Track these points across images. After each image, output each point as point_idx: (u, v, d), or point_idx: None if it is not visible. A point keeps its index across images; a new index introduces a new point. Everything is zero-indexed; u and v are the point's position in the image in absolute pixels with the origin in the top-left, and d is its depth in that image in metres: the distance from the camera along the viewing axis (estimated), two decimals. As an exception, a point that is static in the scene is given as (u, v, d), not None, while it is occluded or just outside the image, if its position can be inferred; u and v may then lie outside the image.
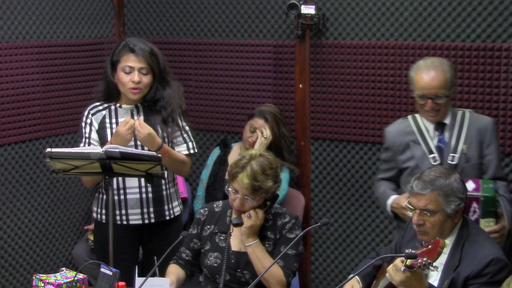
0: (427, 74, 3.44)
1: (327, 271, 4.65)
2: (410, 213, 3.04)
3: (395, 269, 2.75)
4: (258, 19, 4.65)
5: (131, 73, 3.56)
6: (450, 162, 3.47)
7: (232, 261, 3.27)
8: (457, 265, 2.92)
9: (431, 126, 3.55)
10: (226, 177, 4.33)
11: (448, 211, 2.96)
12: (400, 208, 3.45)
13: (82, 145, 3.63)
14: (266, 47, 4.63)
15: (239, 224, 3.24)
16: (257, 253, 3.21)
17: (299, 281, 4.49)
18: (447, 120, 3.53)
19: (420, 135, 3.56)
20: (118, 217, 3.61)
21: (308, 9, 4.32)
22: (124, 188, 3.61)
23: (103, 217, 3.67)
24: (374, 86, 4.31)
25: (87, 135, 3.62)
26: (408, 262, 2.69)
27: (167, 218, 3.69)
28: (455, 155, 3.48)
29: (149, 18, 5.04)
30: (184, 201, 4.59)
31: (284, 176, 4.21)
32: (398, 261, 2.77)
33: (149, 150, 3.47)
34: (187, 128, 3.73)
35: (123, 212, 3.62)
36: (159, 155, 3.32)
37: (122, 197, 3.61)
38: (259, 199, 3.23)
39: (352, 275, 2.91)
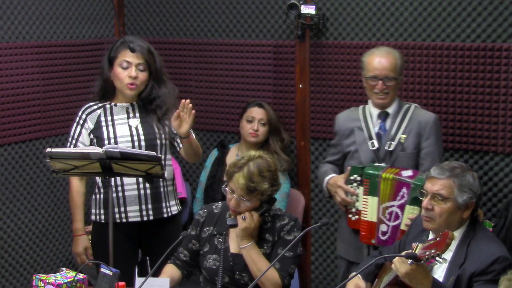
0: (379, 57, 3.66)
1: (327, 271, 4.64)
2: (422, 198, 3.05)
3: (401, 261, 2.75)
4: (258, 19, 4.65)
5: (128, 69, 3.57)
6: (387, 148, 3.65)
7: (231, 263, 3.26)
8: (463, 262, 2.93)
9: (375, 114, 3.72)
10: (224, 178, 4.35)
11: (459, 201, 2.98)
12: (335, 187, 3.70)
13: (68, 144, 3.64)
14: (266, 47, 4.63)
15: (233, 225, 3.23)
16: (252, 255, 3.20)
17: (299, 281, 4.49)
18: (390, 110, 3.70)
19: (364, 122, 3.74)
20: (117, 215, 3.62)
21: (308, 9, 4.32)
22: (122, 185, 3.61)
23: (102, 217, 3.67)
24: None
25: (75, 136, 3.64)
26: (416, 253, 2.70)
27: (165, 215, 3.69)
28: (392, 142, 3.65)
29: (149, 18, 5.04)
30: (183, 201, 4.61)
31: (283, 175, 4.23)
32: (405, 253, 2.77)
33: (180, 136, 3.54)
34: None
35: (122, 209, 3.62)
36: (159, 155, 3.32)
37: (120, 194, 3.62)
38: (254, 200, 3.21)
39: (354, 273, 2.91)
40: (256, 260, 3.18)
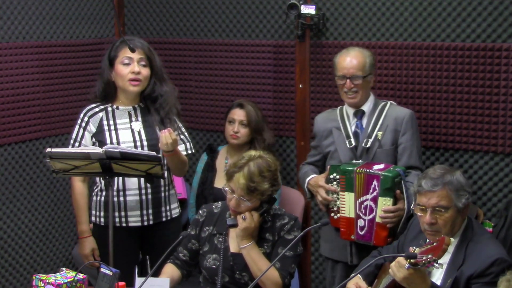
0: (347, 56, 3.74)
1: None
2: (420, 213, 3.03)
3: (398, 266, 2.75)
4: (258, 19, 4.65)
5: (131, 65, 3.56)
6: (363, 146, 3.70)
7: (230, 263, 3.26)
8: (461, 264, 2.93)
9: (351, 113, 3.78)
10: (215, 184, 4.32)
11: (460, 205, 2.98)
12: (316, 186, 3.74)
13: (70, 146, 3.63)
14: (266, 47, 4.63)
15: (234, 225, 3.23)
16: (252, 255, 3.20)
17: (299, 281, 4.49)
18: (365, 108, 3.76)
19: (342, 121, 3.80)
20: (117, 219, 3.61)
21: (308, 9, 4.32)
22: (124, 190, 3.61)
23: (102, 219, 3.67)
24: (374, 86, 4.30)
25: (78, 138, 3.62)
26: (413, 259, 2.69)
27: (164, 219, 3.69)
28: (369, 139, 3.70)
29: (149, 18, 5.04)
30: (183, 201, 4.60)
31: None
32: (401, 258, 2.76)
33: (161, 148, 3.50)
34: (183, 129, 3.74)
35: (123, 213, 3.62)
36: (159, 155, 3.32)
37: (121, 198, 3.61)
38: (255, 200, 3.21)
39: (354, 273, 2.91)
40: (256, 260, 3.18)
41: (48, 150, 3.25)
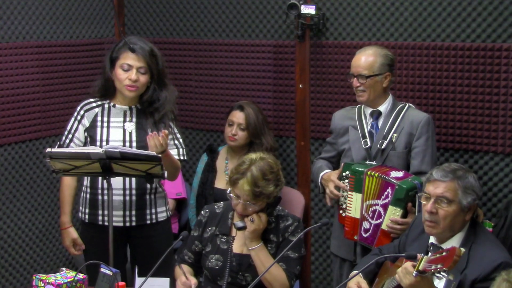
0: (359, 54, 3.72)
1: (327, 271, 4.64)
2: (424, 202, 3.01)
3: (405, 272, 2.72)
4: (258, 19, 4.65)
5: (129, 71, 3.56)
6: (378, 147, 3.67)
7: (234, 263, 3.27)
8: (464, 268, 2.89)
9: (368, 113, 3.75)
10: (216, 185, 4.30)
11: (464, 203, 2.95)
12: (328, 180, 3.73)
13: (63, 138, 3.64)
14: (266, 47, 4.63)
15: (242, 228, 3.23)
16: (260, 256, 3.21)
17: (300, 281, 4.49)
18: (382, 108, 3.72)
19: (359, 120, 3.77)
20: (100, 217, 3.62)
21: (308, 9, 4.33)
22: (109, 189, 3.60)
23: (87, 216, 3.68)
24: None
25: (72, 131, 3.64)
26: (421, 267, 2.65)
27: (148, 222, 3.67)
28: (384, 141, 3.66)
29: (149, 18, 5.04)
30: (183, 201, 4.60)
31: None
32: (408, 264, 2.73)
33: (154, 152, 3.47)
34: (178, 135, 3.73)
35: (106, 212, 3.61)
36: (159, 155, 3.32)
37: (105, 197, 3.59)
38: (261, 203, 3.22)
39: (355, 272, 2.90)
40: (264, 261, 3.19)
41: (48, 150, 3.26)
